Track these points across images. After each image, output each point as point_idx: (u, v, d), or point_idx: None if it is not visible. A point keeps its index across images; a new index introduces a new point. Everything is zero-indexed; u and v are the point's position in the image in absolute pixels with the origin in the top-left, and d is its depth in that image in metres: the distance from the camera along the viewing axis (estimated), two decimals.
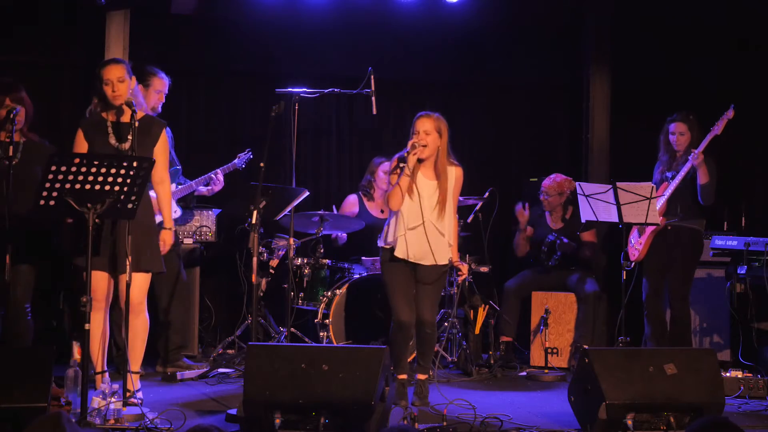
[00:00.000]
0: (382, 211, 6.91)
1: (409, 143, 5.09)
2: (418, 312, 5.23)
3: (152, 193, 5.06)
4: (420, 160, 5.15)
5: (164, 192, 5.04)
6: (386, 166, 6.79)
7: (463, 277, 5.80)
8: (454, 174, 5.23)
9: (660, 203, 6.04)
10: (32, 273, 5.35)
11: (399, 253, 5.15)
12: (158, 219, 5.10)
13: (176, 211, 5.90)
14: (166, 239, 5.04)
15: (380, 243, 5.30)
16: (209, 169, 6.32)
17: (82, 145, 4.85)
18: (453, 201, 5.25)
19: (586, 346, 6.36)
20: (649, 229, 6.16)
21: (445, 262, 5.23)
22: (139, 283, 4.85)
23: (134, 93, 4.93)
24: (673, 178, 6.14)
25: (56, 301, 6.41)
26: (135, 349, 4.93)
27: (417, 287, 5.24)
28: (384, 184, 6.89)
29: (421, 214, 5.13)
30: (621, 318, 5.78)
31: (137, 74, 5.24)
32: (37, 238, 5.31)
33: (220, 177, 6.29)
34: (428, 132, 5.11)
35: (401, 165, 5.11)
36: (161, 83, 5.87)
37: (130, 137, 4.72)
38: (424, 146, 5.10)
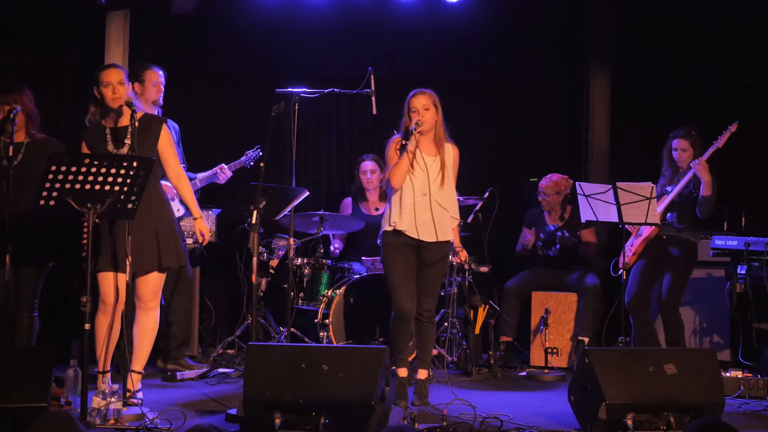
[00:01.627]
0: (376, 209, 6.92)
1: (412, 122, 5.12)
2: (419, 299, 5.23)
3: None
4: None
5: (184, 185, 5.01)
6: (365, 165, 6.85)
7: (460, 261, 5.78)
8: (452, 152, 5.29)
9: (659, 210, 6.02)
10: (35, 272, 5.35)
11: (403, 226, 5.15)
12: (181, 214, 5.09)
13: (179, 209, 5.90)
14: (201, 229, 5.02)
15: (383, 228, 5.28)
16: (209, 169, 6.33)
17: None
18: (452, 178, 5.29)
19: (586, 339, 6.39)
20: (643, 236, 6.15)
21: (449, 237, 5.25)
22: (153, 281, 4.85)
23: (132, 96, 4.93)
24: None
25: (56, 301, 6.41)
26: (141, 347, 4.92)
27: (419, 272, 5.24)
28: (370, 185, 6.92)
29: (423, 188, 5.16)
30: (621, 318, 5.77)
31: (130, 73, 5.23)
32: (40, 237, 5.31)
33: (227, 170, 6.30)
34: (427, 107, 5.17)
35: (404, 142, 5.14)
36: (155, 75, 5.85)
37: (127, 141, 4.73)
38: (423, 122, 5.15)
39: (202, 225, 5.03)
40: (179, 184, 5.00)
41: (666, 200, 6.10)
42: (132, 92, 5.02)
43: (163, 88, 5.88)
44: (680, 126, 6.22)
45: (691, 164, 5.99)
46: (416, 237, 5.17)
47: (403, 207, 5.18)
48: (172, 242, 4.89)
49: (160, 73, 5.87)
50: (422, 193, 5.17)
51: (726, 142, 5.96)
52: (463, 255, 5.51)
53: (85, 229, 4.55)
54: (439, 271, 5.32)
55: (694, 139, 6.13)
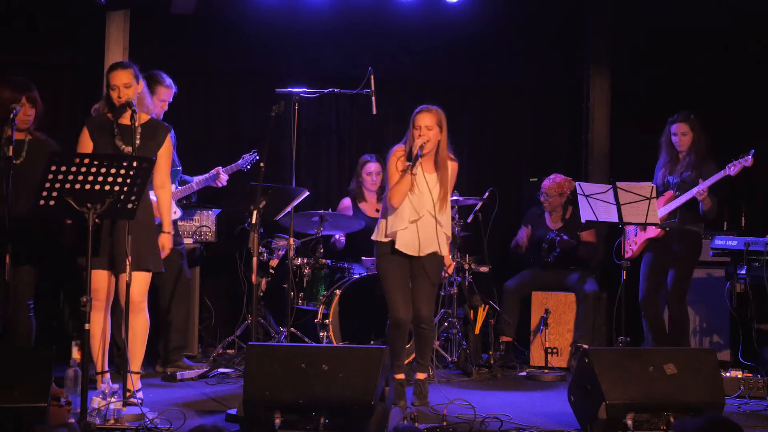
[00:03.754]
0: (377, 210, 6.91)
1: (417, 144, 5.06)
2: (415, 308, 5.23)
3: (152, 195, 5.05)
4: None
5: (165, 196, 5.05)
6: (370, 167, 6.84)
7: (446, 276, 5.79)
8: (452, 168, 5.25)
9: (661, 215, 6.02)
10: (33, 272, 5.35)
11: (400, 246, 5.15)
12: (158, 220, 5.10)
13: (176, 212, 5.89)
14: (165, 243, 5.05)
15: (376, 237, 5.27)
16: (208, 170, 6.32)
17: (86, 144, 4.85)
18: (449, 195, 5.30)
19: (585, 346, 6.38)
20: (648, 235, 6.16)
21: (445, 253, 5.25)
22: (139, 282, 4.84)
23: (143, 95, 4.92)
24: (676, 189, 6.12)
25: (56, 301, 6.41)
26: (135, 348, 4.92)
27: (414, 282, 5.24)
28: (374, 186, 6.91)
29: (420, 207, 5.15)
30: (621, 318, 5.77)
31: (145, 78, 5.23)
32: (39, 237, 5.31)
33: (223, 174, 6.29)
34: (429, 127, 5.11)
35: (407, 164, 5.09)
36: (166, 92, 5.86)
37: (137, 141, 4.72)
38: (427, 141, 5.10)
39: (167, 240, 5.05)
40: (161, 194, 5.03)
41: (670, 206, 6.09)
42: (145, 89, 5.00)
43: (167, 107, 5.89)
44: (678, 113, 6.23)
45: (696, 196, 5.96)
46: (411, 254, 5.17)
47: (399, 223, 5.15)
48: (147, 246, 4.90)
49: (172, 91, 5.91)
50: (419, 212, 5.15)
51: (738, 173, 5.95)
52: (450, 269, 5.52)
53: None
54: (434, 282, 5.29)
55: (694, 122, 6.16)
